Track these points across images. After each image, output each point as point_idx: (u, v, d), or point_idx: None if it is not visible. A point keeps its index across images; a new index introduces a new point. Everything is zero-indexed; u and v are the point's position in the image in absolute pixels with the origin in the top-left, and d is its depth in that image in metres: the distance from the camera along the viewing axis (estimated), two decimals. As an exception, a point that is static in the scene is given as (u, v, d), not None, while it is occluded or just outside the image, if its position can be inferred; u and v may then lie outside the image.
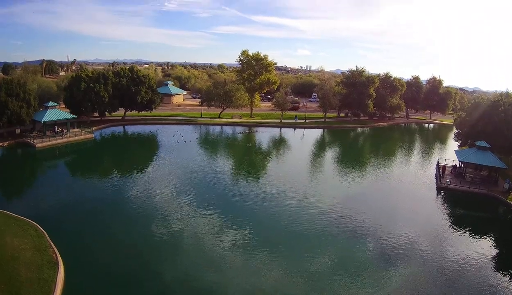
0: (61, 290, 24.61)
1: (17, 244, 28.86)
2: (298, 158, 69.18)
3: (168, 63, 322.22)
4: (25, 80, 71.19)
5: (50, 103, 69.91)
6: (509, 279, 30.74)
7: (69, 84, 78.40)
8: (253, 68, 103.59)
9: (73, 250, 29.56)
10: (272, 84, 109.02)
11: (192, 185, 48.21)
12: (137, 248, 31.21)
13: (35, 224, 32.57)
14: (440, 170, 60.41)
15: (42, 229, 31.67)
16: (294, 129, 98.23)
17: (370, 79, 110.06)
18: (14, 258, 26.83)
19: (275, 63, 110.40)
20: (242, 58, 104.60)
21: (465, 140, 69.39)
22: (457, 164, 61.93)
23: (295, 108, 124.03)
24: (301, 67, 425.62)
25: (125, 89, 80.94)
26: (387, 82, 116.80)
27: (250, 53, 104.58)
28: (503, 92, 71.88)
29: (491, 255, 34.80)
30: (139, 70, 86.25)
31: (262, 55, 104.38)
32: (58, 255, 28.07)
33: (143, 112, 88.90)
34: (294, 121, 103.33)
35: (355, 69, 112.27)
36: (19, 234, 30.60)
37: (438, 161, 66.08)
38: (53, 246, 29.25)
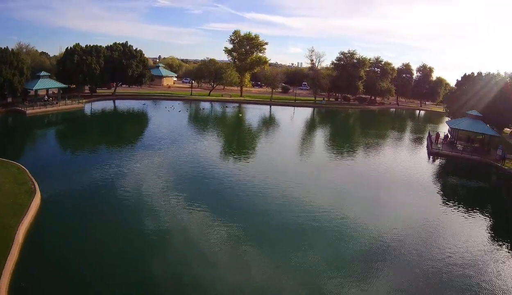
0: (34, 213, 25.90)
1: (-2, 178, 30.58)
2: (291, 136, 65.80)
3: (159, 56, 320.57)
4: (19, 51, 72.75)
5: (43, 73, 71.37)
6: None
7: (63, 57, 79.88)
8: (244, 47, 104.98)
9: (52, 185, 30.97)
10: (263, 63, 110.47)
11: (181, 158, 44.37)
12: (115, 197, 30.87)
13: (18, 164, 34.06)
14: (432, 138, 60.37)
15: (25, 168, 33.15)
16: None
17: (361, 61, 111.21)
18: (-7, 189, 28.44)
19: (266, 43, 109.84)
20: (233, 38, 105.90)
21: (456, 113, 70.05)
22: (449, 135, 61.95)
23: (286, 90, 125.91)
24: (293, 64, 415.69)
25: (117, 63, 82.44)
26: (377, 66, 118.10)
27: (242, 33, 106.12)
28: (493, 73, 74.05)
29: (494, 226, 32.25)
30: (131, 45, 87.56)
31: (253, 34, 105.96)
32: (37, 186, 29.49)
33: (134, 90, 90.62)
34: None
35: (346, 52, 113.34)
36: (1, 171, 32.38)
37: (429, 133, 66.88)
38: (33, 179, 30.65)
